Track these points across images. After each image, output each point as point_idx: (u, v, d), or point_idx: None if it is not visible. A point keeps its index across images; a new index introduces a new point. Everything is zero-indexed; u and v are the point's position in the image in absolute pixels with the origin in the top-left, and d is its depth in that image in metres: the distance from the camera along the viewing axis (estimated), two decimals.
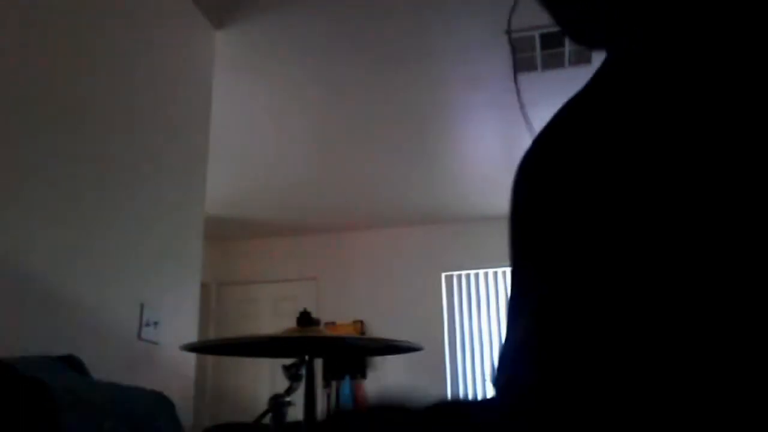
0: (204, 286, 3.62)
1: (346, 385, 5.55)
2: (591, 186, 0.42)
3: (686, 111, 0.38)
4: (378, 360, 5.57)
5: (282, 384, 1.52)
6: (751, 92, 0.36)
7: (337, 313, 5.74)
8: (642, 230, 0.37)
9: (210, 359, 5.72)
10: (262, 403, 1.55)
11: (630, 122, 0.41)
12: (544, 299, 0.45)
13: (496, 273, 5.87)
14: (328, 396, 5.57)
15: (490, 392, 0.51)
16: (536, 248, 0.48)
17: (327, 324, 5.54)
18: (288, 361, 1.56)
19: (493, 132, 4.28)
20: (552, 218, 0.46)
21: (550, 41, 3.12)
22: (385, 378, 5.52)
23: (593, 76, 0.50)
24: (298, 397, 1.53)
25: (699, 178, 0.36)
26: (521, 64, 3.36)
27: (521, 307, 0.50)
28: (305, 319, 1.61)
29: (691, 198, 0.36)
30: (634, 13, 0.48)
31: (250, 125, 4.07)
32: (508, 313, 0.53)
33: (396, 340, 1.68)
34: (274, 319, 5.65)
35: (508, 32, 3.03)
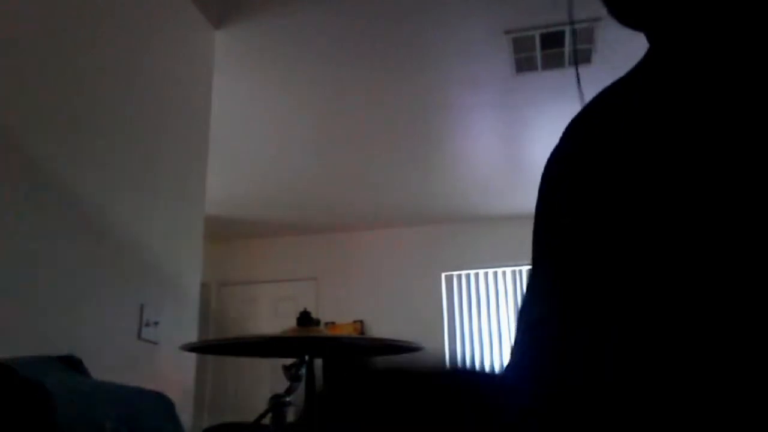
0: (204, 286, 3.62)
1: None
2: (608, 188, 0.42)
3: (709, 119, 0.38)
4: (378, 360, 5.56)
5: (282, 384, 1.52)
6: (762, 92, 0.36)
7: (337, 313, 5.73)
8: (651, 233, 0.37)
9: (210, 359, 5.71)
10: (262, 403, 1.55)
11: (653, 121, 0.41)
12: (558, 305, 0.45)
13: (496, 273, 5.86)
14: None
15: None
16: (556, 242, 0.49)
17: (327, 324, 5.54)
18: (288, 361, 1.55)
19: (493, 132, 4.28)
20: (573, 214, 0.46)
21: (550, 41, 3.12)
22: None
23: (628, 74, 0.50)
24: (298, 396, 1.53)
25: (711, 181, 0.36)
26: (521, 64, 3.35)
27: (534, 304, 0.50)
28: (305, 319, 1.60)
29: (701, 200, 0.36)
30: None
31: (250, 125, 4.06)
32: (524, 306, 0.53)
33: (396, 340, 1.68)
34: (274, 319, 5.65)
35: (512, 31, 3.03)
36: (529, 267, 0.55)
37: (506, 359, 0.54)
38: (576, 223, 0.46)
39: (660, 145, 0.40)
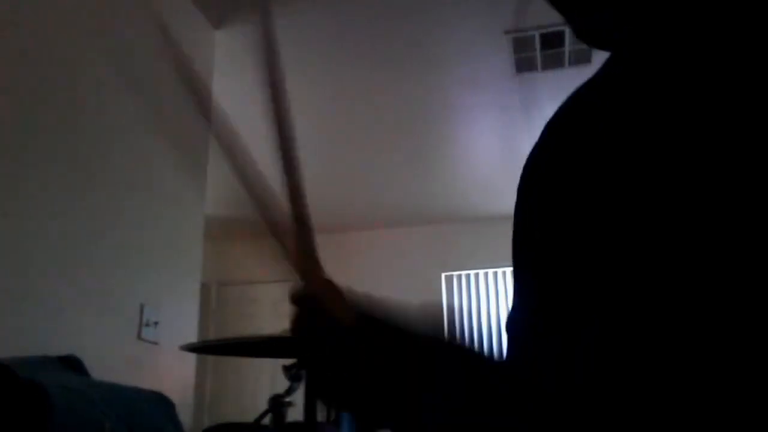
0: (204, 286, 3.62)
1: None
2: (590, 192, 0.42)
3: (683, 116, 0.37)
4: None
5: (282, 384, 1.52)
6: (747, 88, 0.36)
7: None
8: (643, 235, 0.37)
9: (210, 359, 5.71)
10: (262, 403, 1.55)
11: (629, 120, 0.41)
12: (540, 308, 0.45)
13: (496, 273, 5.86)
14: None
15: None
16: (532, 249, 0.49)
17: None
18: (288, 361, 1.55)
19: (493, 132, 4.28)
20: (547, 219, 0.46)
21: (550, 41, 3.12)
22: None
23: (592, 77, 0.51)
24: (298, 397, 1.53)
25: (699, 178, 0.35)
26: (521, 64, 3.35)
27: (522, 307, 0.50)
28: None
29: (693, 198, 0.36)
30: (633, 10, 0.48)
31: (250, 125, 4.05)
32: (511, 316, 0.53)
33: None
34: (274, 319, 5.65)
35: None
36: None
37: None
38: (546, 231, 0.46)
39: (629, 147, 0.40)
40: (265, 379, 5.38)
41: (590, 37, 0.54)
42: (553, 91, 3.56)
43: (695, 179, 0.35)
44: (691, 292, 0.34)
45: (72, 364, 1.67)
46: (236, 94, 3.60)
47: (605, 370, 0.37)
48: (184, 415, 1.97)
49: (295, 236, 0.51)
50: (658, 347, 0.35)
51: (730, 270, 0.33)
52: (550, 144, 0.51)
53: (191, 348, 1.71)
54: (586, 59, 3.23)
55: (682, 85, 0.38)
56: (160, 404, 1.67)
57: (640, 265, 0.36)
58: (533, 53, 3.25)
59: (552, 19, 2.94)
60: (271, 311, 5.97)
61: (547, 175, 0.49)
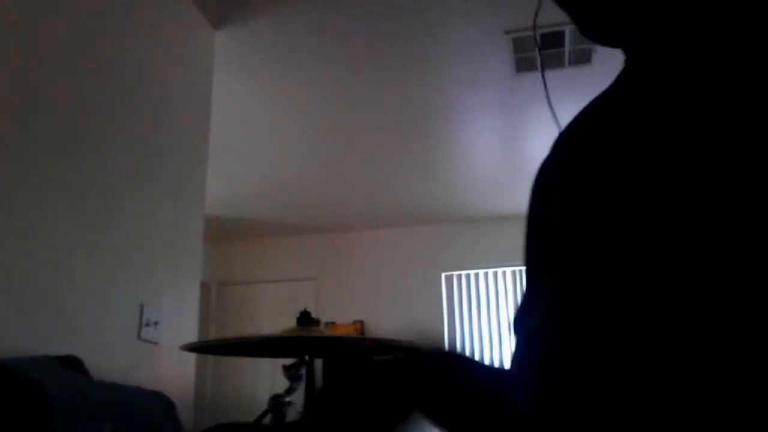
0: (204, 286, 3.62)
1: None
2: (604, 193, 0.43)
3: (695, 122, 0.38)
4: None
5: (282, 384, 1.52)
6: (755, 93, 0.36)
7: (337, 313, 5.73)
8: (653, 238, 0.37)
9: (210, 359, 5.72)
10: (262, 403, 1.55)
11: (643, 128, 0.42)
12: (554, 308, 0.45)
13: (496, 273, 5.87)
14: None
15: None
16: (550, 250, 0.49)
17: (327, 324, 5.54)
18: (288, 361, 1.55)
19: (493, 132, 4.28)
20: (567, 221, 0.47)
21: (550, 41, 3.12)
22: None
23: (609, 87, 0.51)
24: (298, 397, 1.53)
25: (717, 181, 0.36)
26: (521, 64, 3.35)
27: (532, 307, 0.51)
28: (305, 319, 1.60)
29: (713, 200, 0.36)
30: (643, 12, 0.49)
31: (250, 125, 4.06)
32: (522, 306, 0.54)
33: (396, 340, 1.68)
34: (274, 319, 5.65)
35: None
36: (524, 274, 0.56)
37: (506, 364, 0.54)
38: (568, 232, 0.46)
39: (646, 152, 0.40)
40: (265, 379, 5.38)
41: (597, 36, 0.54)
42: (553, 91, 3.56)
43: (713, 182, 0.36)
44: (712, 292, 0.34)
45: (72, 364, 1.67)
46: (236, 94, 3.61)
47: (626, 368, 0.37)
48: (184, 415, 1.97)
49: None
50: (679, 345, 0.35)
51: (751, 271, 0.33)
52: (568, 150, 0.52)
53: (191, 348, 1.71)
54: (586, 59, 3.23)
55: (693, 89, 0.39)
56: (160, 404, 1.67)
57: (661, 264, 0.37)
58: (533, 53, 3.25)
59: (552, 19, 2.94)
60: (271, 311, 5.97)
61: (567, 178, 0.49)
